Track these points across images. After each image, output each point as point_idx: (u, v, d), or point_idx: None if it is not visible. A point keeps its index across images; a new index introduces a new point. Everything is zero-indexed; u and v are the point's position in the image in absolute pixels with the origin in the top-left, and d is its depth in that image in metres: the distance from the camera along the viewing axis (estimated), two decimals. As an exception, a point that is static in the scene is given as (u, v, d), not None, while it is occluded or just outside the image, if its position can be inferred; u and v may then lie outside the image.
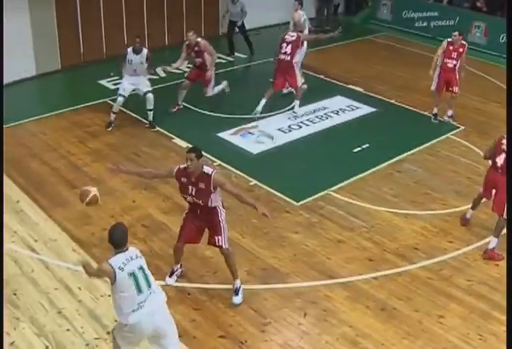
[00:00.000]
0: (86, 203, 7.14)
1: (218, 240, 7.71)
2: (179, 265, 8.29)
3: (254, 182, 10.70)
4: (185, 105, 13.71)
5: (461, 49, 12.78)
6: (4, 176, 10.68)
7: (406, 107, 14.15)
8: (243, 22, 17.32)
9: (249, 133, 12.61)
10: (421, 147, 12.22)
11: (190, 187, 7.46)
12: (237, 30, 17.57)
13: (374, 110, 13.90)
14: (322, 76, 15.98)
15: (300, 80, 13.39)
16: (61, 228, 9.38)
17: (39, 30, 15.49)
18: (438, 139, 12.58)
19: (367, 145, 12.11)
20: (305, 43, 14.07)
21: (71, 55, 15.78)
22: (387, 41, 19.43)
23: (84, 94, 14.51)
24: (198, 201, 7.52)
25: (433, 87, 13.21)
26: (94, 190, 7.14)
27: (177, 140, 12.27)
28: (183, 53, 13.18)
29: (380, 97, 14.63)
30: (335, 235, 9.32)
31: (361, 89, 15.14)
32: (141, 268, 5.99)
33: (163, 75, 15.59)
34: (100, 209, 9.72)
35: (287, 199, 10.18)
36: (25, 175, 10.94)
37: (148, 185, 10.47)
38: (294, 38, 13.08)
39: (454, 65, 12.82)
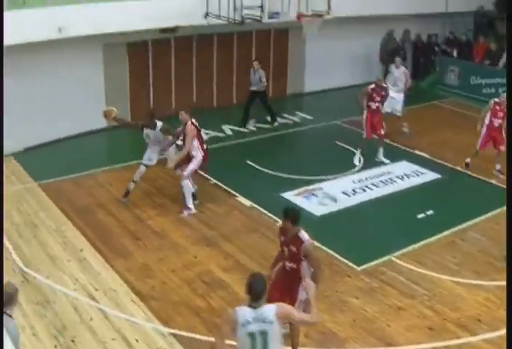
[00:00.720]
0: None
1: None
2: None
3: (316, 244, 10.62)
4: (251, 163, 13.86)
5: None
6: (71, 224, 10.96)
7: (472, 174, 13.99)
8: (264, 91, 17.07)
9: (313, 195, 12.63)
10: (487, 215, 11.99)
11: (285, 247, 7.55)
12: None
13: (439, 176, 13.78)
14: (388, 141, 15.96)
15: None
16: (122, 279, 9.48)
17: (112, 84, 16.02)
18: (504, 208, 12.31)
19: (431, 211, 11.97)
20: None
21: (141, 109, 16.14)
22: (454, 106, 19.35)
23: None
24: (291, 265, 7.52)
25: (478, 146, 13.85)
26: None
27: (241, 198, 12.37)
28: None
29: (446, 164, 14.50)
30: (396, 302, 9.15)
31: (426, 155, 15.06)
32: (263, 333, 5.56)
33: (229, 133, 15.89)
34: (161, 263, 9.89)
35: (349, 263, 10.08)
36: (90, 224, 11.18)
37: (210, 242, 10.58)
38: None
39: (500, 124, 13.36)
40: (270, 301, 6.26)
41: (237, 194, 12.49)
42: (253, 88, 16.58)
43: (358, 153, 14.59)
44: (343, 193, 12.72)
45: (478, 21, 23.03)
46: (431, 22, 22.80)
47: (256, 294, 5.59)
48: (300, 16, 14.76)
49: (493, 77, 19.86)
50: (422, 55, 22.69)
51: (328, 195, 12.56)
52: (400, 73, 16.76)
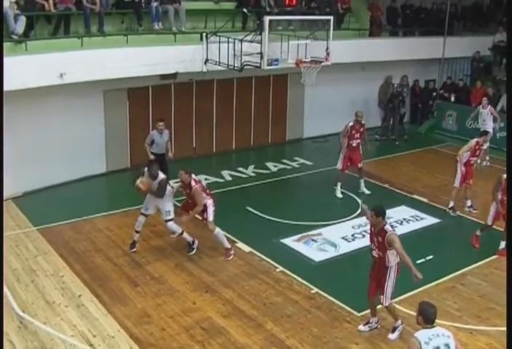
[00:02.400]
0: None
1: (380, 299, 9.13)
2: (375, 318, 9.53)
3: (315, 290, 10.58)
4: (250, 209, 13.88)
5: (484, 146, 14.51)
6: (69, 269, 10.93)
7: (471, 218, 13.99)
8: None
9: (313, 240, 12.62)
10: (486, 260, 11.97)
11: (374, 238, 9.01)
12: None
13: (438, 220, 13.80)
14: (387, 185, 16.05)
15: None
16: (120, 325, 9.38)
17: (112, 129, 16.16)
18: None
19: (431, 256, 11.93)
20: None
21: (141, 155, 16.23)
22: (452, 151, 19.34)
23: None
24: (378, 253, 8.99)
25: (457, 184, 14.14)
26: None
27: (241, 244, 12.34)
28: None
29: (445, 208, 14.52)
30: (397, 349, 9.09)
31: (425, 200, 15.10)
32: (447, 345, 6.44)
33: (229, 178, 15.94)
34: (160, 309, 9.82)
35: (348, 309, 9.99)
36: (88, 270, 11.13)
37: (209, 288, 10.53)
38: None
39: (475, 161, 14.22)
40: (370, 291, 9.26)
41: (236, 240, 12.45)
42: (160, 151, 14.48)
43: (338, 186, 15.07)
44: (343, 238, 12.71)
45: (474, 66, 23.36)
46: (429, 68, 23.15)
47: (430, 318, 6.69)
48: (298, 62, 14.93)
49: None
50: (420, 100, 22.99)
51: (327, 241, 12.55)
52: (487, 113, 18.18)
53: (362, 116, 15.03)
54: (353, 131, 14.88)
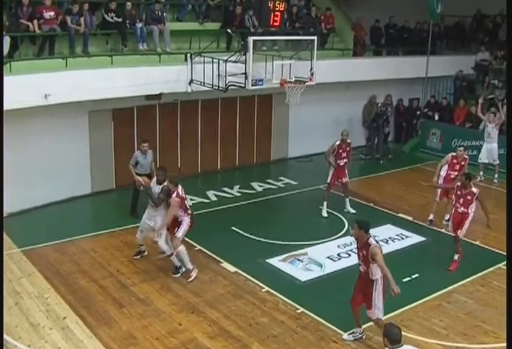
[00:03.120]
0: None
1: (368, 313, 9.22)
2: (360, 329, 9.66)
3: (301, 310, 10.56)
4: (236, 229, 13.86)
5: (463, 163, 14.57)
6: (54, 291, 10.85)
7: (448, 233, 14.04)
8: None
9: (298, 260, 12.60)
10: (472, 277, 12.01)
11: (359, 252, 9.16)
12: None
13: (423, 239, 13.85)
14: (372, 205, 16.08)
15: None
16: (105, 347, 9.31)
17: (97, 149, 16.13)
18: (489, 270, 12.38)
19: (417, 274, 11.96)
20: None
21: (126, 176, 16.19)
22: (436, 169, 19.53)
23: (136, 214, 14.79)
24: (363, 267, 9.13)
25: (437, 198, 14.58)
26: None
27: (226, 264, 12.30)
28: None
29: (430, 226, 14.57)
30: (383, 369, 9.06)
31: (410, 218, 15.15)
32: None
33: (214, 199, 15.94)
34: (145, 331, 9.75)
35: (335, 329, 9.96)
36: (73, 291, 11.04)
37: (195, 309, 10.48)
38: None
39: (455, 176, 14.33)
40: (354, 302, 9.40)
41: (222, 260, 12.43)
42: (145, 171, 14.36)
43: (324, 205, 15.13)
44: (328, 258, 12.70)
45: (458, 85, 23.55)
46: (413, 87, 23.31)
47: (397, 338, 6.77)
48: (283, 82, 14.99)
49: (474, 139, 20.11)
50: (404, 119, 23.09)
51: (313, 261, 12.54)
52: (493, 127, 18.49)
53: (348, 135, 15.07)
54: (340, 150, 14.93)
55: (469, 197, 12.15)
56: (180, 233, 11.56)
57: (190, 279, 11.59)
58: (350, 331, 9.65)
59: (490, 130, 18.53)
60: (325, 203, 15.14)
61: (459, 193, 12.40)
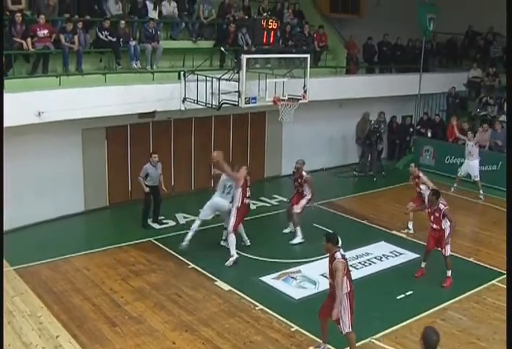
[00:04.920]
0: None
1: (339, 328, 9.11)
2: (325, 345, 9.71)
3: (295, 328, 10.52)
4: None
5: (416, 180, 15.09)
6: (46, 309, 10.80)
7: (450, 253, 14.02)
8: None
9: (292, 278, 12.59)
10: (466, 294, 11.99)
11: (328, 265, 9.03)
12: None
13: (417, 256, 13.79)
14: (365, 222, 16.08)
15: None
16: (98, 367, 9.27)
17: (90, 167, 16.11)
18: (483, 286, 12.37)
19: (411, 291, 11.95)
20: None
21: (119, 193, 16.19)
22: (429, 186, 19.57)
23: (129, 232, 14.81)
24: (330, 281, 9.12)
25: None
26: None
27: (220, 283, 12.26)
28: None
29: (423, 243, 14.52)
30: (378, 386, 9.04)
31: (404, 235, 15.16)
32: None
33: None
34: (138, 350, 9.68)
35: (329, 346, 9.90)
36: (66, 310, 10.99)
37: (188, 327, 10.43)
38: None
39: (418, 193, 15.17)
40: (320, 316, 9.51)
41: (216, 278, 12.40)
42: (155, 183, 15.16)
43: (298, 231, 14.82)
44: (322, 275, 12.64)
45: (450, 102, 23.66)
46: (406, 104, 23.45)
47: (433, 345, 6.56)
48: (276, 100, 15.03)
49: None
50: (397, 136, 23.16)
51: (307, 278, 12.52)
52: (472, 145, 18.77)
53: (301, 163, 15.03)
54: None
55: (437, 214, 12.26)
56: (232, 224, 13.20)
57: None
58: (317, 345, 9.70)
59: (470, 148, 18.82)
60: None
61: (429, 210, 12.52)
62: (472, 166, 18.73)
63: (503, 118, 20.87)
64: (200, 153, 18.43)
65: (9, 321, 10.43)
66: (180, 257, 13.26)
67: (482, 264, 13.46)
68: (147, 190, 14.69)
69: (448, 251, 12.37)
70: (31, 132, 14.12)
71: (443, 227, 12.29)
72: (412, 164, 15.47)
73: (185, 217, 15.91)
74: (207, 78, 15.26)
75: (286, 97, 15.24)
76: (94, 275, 12.48)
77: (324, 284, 12.11)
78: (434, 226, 12.41)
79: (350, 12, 24.39)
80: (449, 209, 12.30)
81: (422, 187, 14.85)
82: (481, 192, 18.63)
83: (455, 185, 18.94)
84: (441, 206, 12.25)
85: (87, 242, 14.49)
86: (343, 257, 8.93)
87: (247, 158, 19.62)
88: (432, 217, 12.38)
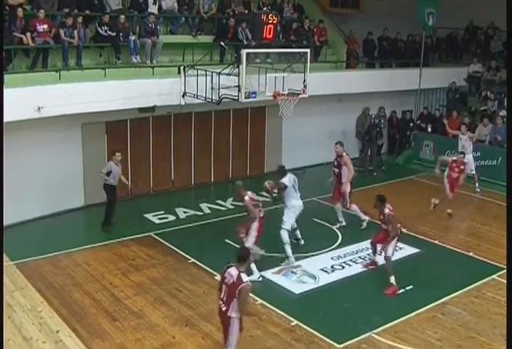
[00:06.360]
0: None
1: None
2: None
3: (295, 322, 10.53)
4: (230, 242, 13.78)
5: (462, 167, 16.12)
6: (46, 304, 10.77)
7: (450, 247, 14.05)
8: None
9: (292, 272, 12.60)
10: (466, 289, 12.01)
11: (223, 285, 8.53)
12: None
13: (417, 250, 13.84)
14: (368, 217, 16.05)
15: None
16: (98, 361, 9.28)
17: (90, 162, 16.08)
18: (483, 281, 12.38)
19: (411, 286, 11.95)
20: None
21: (120, 188, 16.17)
22: (429, 180, 19.50)
23: (129, 226, 14.81)
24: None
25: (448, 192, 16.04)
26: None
27: (219, 277, 12.20)
28: None
29: (423, 238, 14.58)
30: (377, 381, 9.05)
31: (404, 229, 15.09)
32: None
33: (207, 211, 15.92)
34: (138, 344, 9.71)
35: (329, 341, 9.94)
36: (66, 305, 11.00)
37: (189, 322, 10.45)
38: None
39: (457, 177, 16.11)
40: None
41: (215, 273, 12.34)
42: (115, 182, 14.86)
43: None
44: (322, 270, 12.69)
45: (450, 97, 23.64)
46: (406, 99, 23.42)
47: None
48: (276, 95, 15.01)
49: (467, 151, 20.17)
50: (398, 131, 23.14)
51: (307, 273, 12.53)
52: (466, 139, 18.98)
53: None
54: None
55: (382, 216, 12.15)
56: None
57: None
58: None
59: (464, 142, 18.92)
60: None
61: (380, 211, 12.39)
62: (467, 160, 18.38)
63: (503, 113, 20.85)
64: (200, 147, 18.44)
65: (10, 316, 10.44)
66: (180, 252, 13.26)
67: (482, 258, 13.47)
68: (112, 181, 14.51)
69: (388, 253, 11.97)
70: (31, 127, 14.10)
71: (388, 228, 12.10)
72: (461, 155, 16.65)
73: (184, 212, 15.91)
74: (207, 72, 15.24)
75: (286, 92, 15.20)
76: (94, 270, 12.49)
77: (324, 279, 12.25)
78: (382, 225, 12.34)
79: (350, 7, 24.34)
80: (394, 216, 12.10)
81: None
82: (477, 185, 18.65)
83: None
84: (386, 211, 12.02)
85: (87, 237, 14.49)
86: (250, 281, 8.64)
87: (247, 152, 19.62)
88: (381, 216, 12.32)
